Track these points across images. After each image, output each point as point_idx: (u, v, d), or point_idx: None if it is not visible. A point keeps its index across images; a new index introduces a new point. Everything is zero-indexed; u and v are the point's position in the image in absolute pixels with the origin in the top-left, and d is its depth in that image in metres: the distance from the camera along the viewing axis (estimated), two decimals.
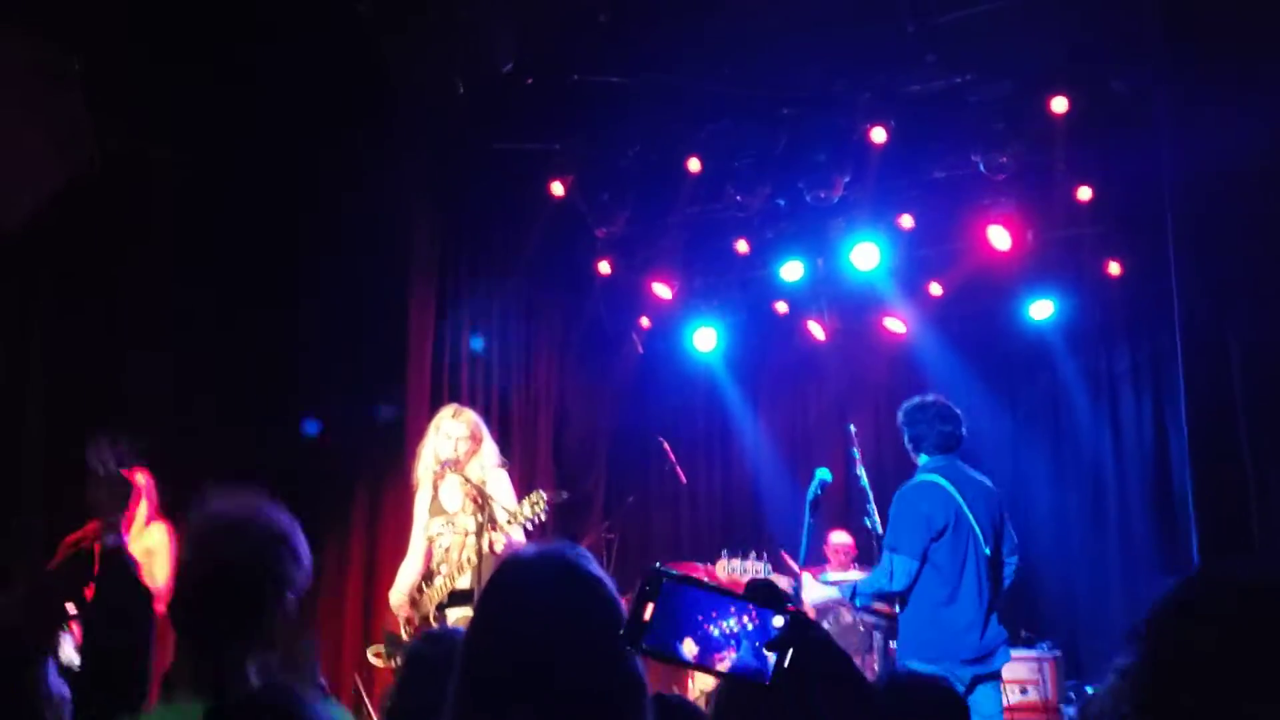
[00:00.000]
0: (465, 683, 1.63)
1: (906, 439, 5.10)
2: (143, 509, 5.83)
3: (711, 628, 1.53)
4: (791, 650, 1.52)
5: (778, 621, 1.53)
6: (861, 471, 5.92)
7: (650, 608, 1.52)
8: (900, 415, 5.11)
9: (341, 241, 7.10)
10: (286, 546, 2.32)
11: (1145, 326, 8.30)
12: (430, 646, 2.83)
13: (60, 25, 5.01)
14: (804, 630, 1.53)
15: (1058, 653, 7.15)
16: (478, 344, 7.77)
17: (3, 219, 4.63)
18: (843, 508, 7.43)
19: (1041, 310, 8.16)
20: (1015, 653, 6.74)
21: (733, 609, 1.53)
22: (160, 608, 5.59)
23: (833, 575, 7.26)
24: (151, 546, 5.80)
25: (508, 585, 1.68)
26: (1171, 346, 7.45)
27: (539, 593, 1.64)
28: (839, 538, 7.70)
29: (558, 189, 7.81)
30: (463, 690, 1.62)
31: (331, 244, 7.06)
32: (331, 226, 7.04)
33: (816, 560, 7.43)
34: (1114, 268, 8.01)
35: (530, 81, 6.82)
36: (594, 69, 6.98)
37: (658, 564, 1.64)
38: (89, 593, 5.82)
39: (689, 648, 1.53)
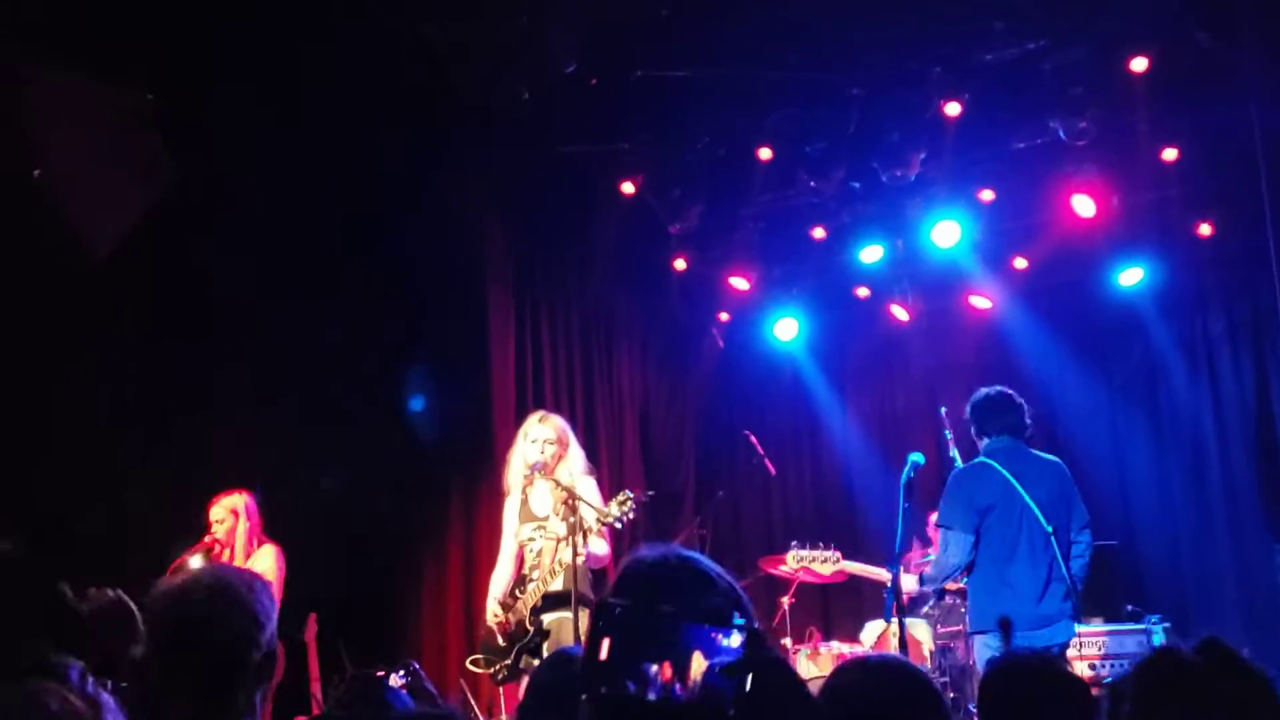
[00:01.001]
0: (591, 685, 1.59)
1: (973, 430, 5.36)
2: (244, 529, 5.95)
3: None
4: (750, 674, 1.42)
5: (733, 640, 1.43)
6: (955, 453, 5.84)
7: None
8: (966, 410, 5.36)
9: (418, 254, 7.17)
10: (250, 616, 2.23)
11: (1241, 286, 8.02)
12: (550, 673, 2.81)
13: (135, 61, 5.14)
14: (760, 649, 1.45)
15: (1167, 624, 6.94)
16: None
17: (91, 252, 4.76)
18: (940, 490, 7.30)
19: (1131, 277, 7.94)
20: (1122, 628, 6.59)
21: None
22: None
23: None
24: (259, 570, 5.91)
25: (631, 589, 1.63)
26: (1271, 304, 7.21)
27: (662, 593, 1.60)
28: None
29: (628, 188, 7.80)
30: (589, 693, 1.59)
31: (409, 257, 7.14)
32: (408, 241, 7.12)
33: (920, 543, 7.34)
34: (1204, 228, 7.75)
35: (594, 82, 6.83)
36: (657, 64, 6.95)
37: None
38: None
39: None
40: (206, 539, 5.94)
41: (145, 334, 6.23)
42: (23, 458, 5.72)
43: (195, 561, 5.89)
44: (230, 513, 5.96)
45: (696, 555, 1.74)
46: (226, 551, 5.97)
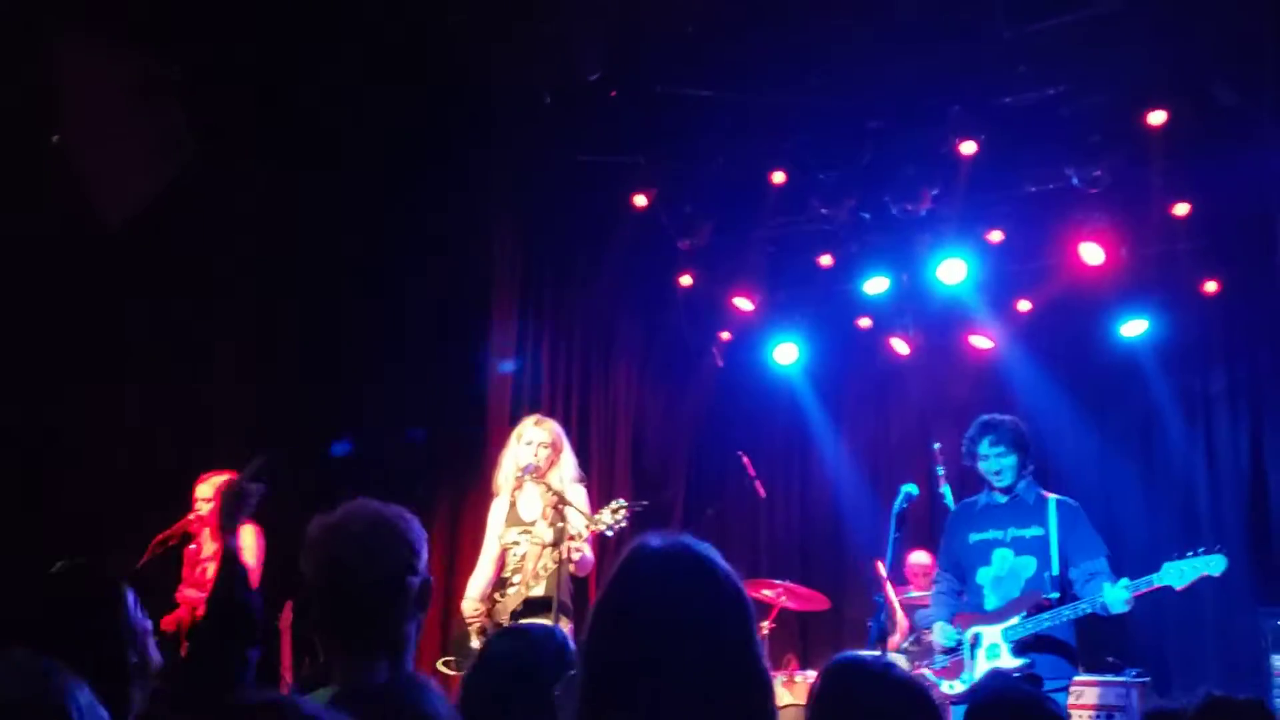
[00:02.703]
0: (590, 666, 1.60)
1: (1022, 461, 5.22)
2: None
3: None
4: None
5: None
6: (946, 490, 5.85)
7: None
8: (1012, 436, 5.20)
9: (425, 254, 7.18)
10: (407, 546, 2.35)
11: (1243, 346, 8.03)
12: (503, 642, 2.83)
13: (161, 37, 5.15)
14: None
15: (1146, 679, 6.93)
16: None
17: (106, 216, 4.77)
18: (925, 527, 7.30)
19: (1134, 328, 7.95)
20: (1102, 679, 6.58)
21: None
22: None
23: (915, 593, 7.15)
24: (240, 546, 5.90)
25: (639, 574, 1.64)
26: (1271, 367, 7.21)
27: (669, 581, 1.60)
28: (919, 558, 7.55)
29: (640, 201, 7.81)
30: (588, 674, 1.59)
31: (415, 257, 7.15)
32: (415, 239, 7.13)
33: (897, 580, 7.31)
34: (1210, 285, 7.76)
35: (614, 94, 6.85)
36: (678, 81, 6.98)
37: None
38: (177, 594, 5.96)
39: None
40: (190, 516, 5.93)
41: (150, 308, 6.24)
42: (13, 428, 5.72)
43: (179, 539, 5.89)
44: (217, 492, 5.93)
45: (702, 546, 1.72)
46: (207, 530, 5.96)
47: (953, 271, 7.77)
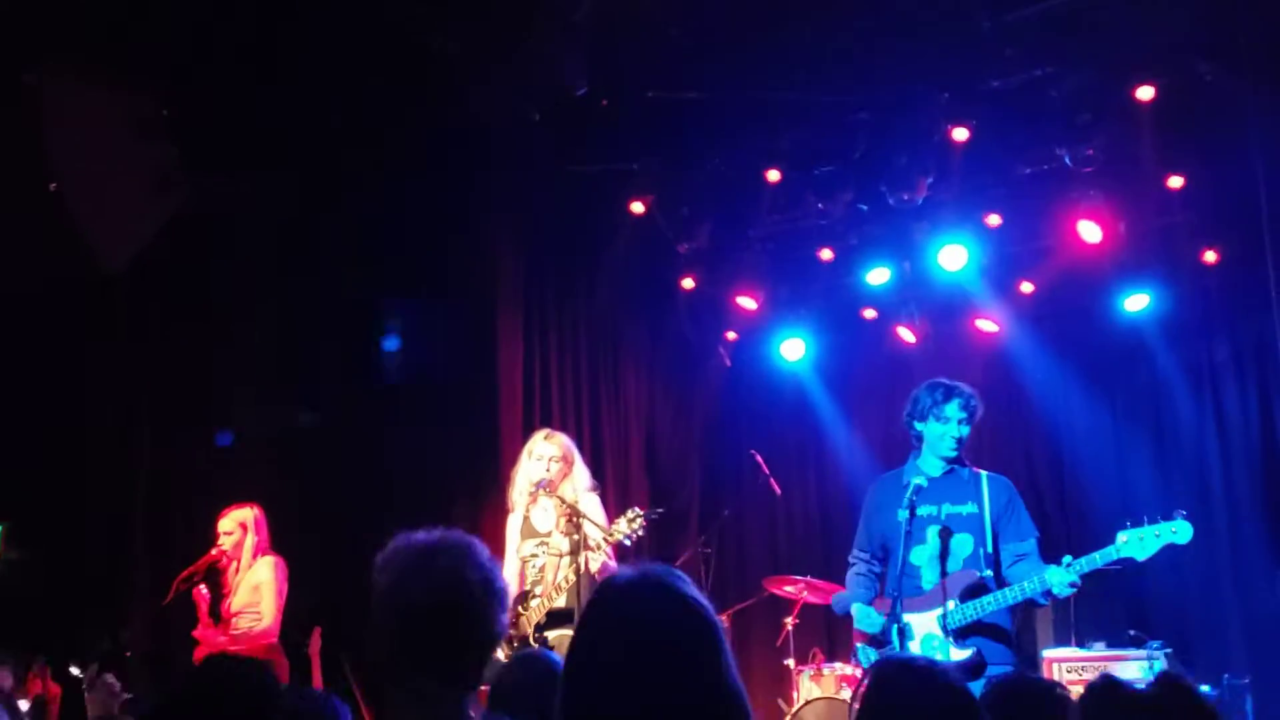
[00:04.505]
0: (568, 702, 1.65)
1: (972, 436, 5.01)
2: (250, 543, 6.00)
3: None
4: None
5: None
6: None
7: None
8: (977, 408, 4.99)
9: (428, 271, 7.24)
10: (490, 582, 2.23)
11: (1246, 314, 8.02)
12: (519, 669, 2.86)
13: (152, 75, 5.21)
14: None
15: (1168, 651, 6.93)
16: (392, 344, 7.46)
17: (111, 261, 4.83)
18: None
19: (1136, 302, 7.96)
20: (1123, 652, 6.58)
21: None
22: (270, 640, 5.74)
23: None
24: (259, 582, 5.97)
25: (606, 608, 1.70)
26: (1274, 331, 7.22)
27: (637, 615, 1.66)
28: None
29: (638, 207, 7.85)
30: (567, 706, 1.65)
31: (418, 274, 7.21)
32: (416, 257, 7.19)
33: None
34: (1210, 255, 7.78)
35: (605, 103, 6.90)
36: (668, 86, 7.02)
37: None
38: (196, 632, 5.97)
39: None
40: (213, 551, 5.99)
41: (158, 344, 6.31)
42: (27, 461, 5.79)
43: (202, 575, 5.95)
44: (239, 525, 6.01)
45: (668, 573, 1.76)
46: (233, 564, 6.03)
47: (953, 257, 7.79)
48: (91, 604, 6.34)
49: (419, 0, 5.74)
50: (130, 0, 5.00)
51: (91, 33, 5.07)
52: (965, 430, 4.88)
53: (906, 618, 4.71)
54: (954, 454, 4.89)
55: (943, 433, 4.88)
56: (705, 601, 1.72)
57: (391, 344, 6.93)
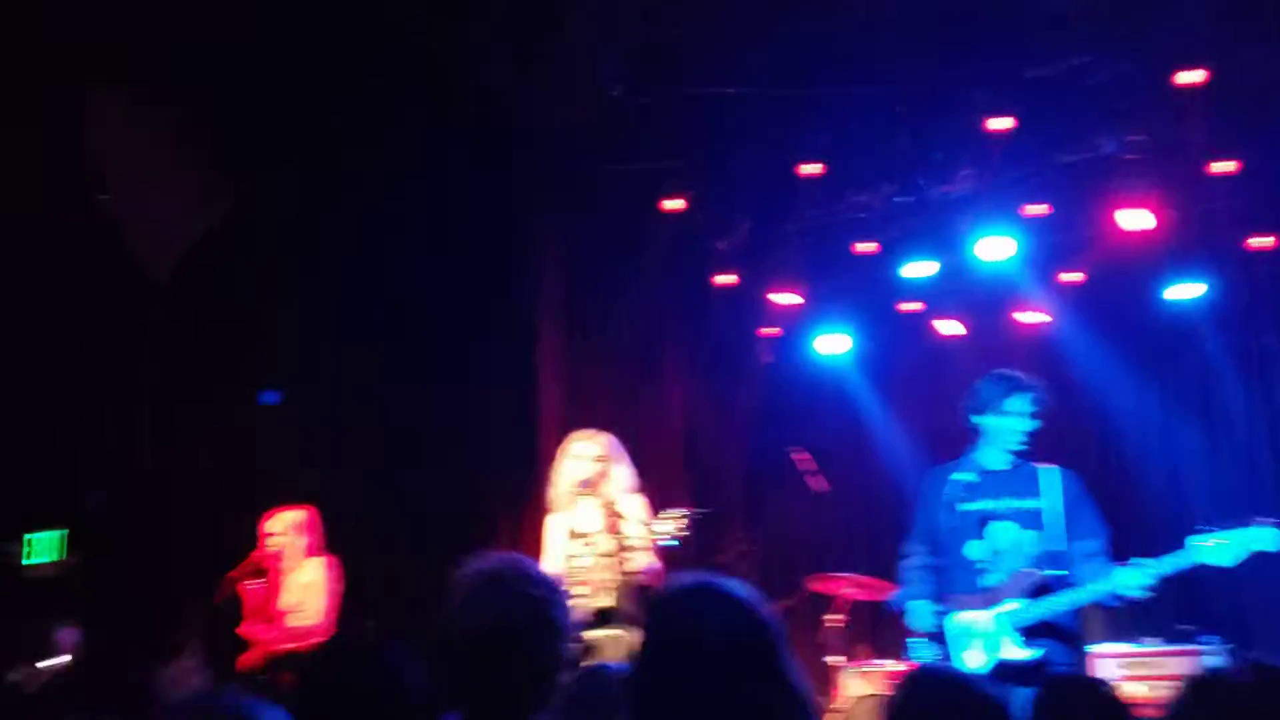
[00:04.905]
0: (636, 701, 1.66)
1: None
2: (301, 544, 6.08)
3: None
4: None
5: None
6: None
7: None
8: (1042, 403, 4.88)
9: (467, 277, 7.28)
10: (558, 604, 2.24)
11: None
12: (586, 685, 2.86)
13: (191, 87, 5.28)
14: None
15: (1230, 646, 6.82)
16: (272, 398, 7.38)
17: (156, 267, 4.91)
18: None
19: (1184, 290, 7.83)
20: (1178, 647, 6.47)
21: None
22: (319, 638, 5.82)
23: None
24: (309, 581, 6.05)
25: (667, 617, 1.70)
26: None
27: (697, 623, 1.66)
28: None
29: (676, 204, 7.84)
30: (635, 707, 1.65)
31: (458, 281, 7.24)
32: (456, 258, 7.22)
33: None
34: (1259, 241, 7.64)
35: (643, 101, 6.90)
36: (704, 82, 7.01)
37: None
38: (243, 628, 6.08)
39: None
40: (259, 552, 6.06)
41: (201, 350, 6.40)
42: (72, 464, 5.89)
43: (250, 574, 6.03)
44: (289, 528, 6.10)
45: (725, 581, 1.78)
46: (281, 565, 6.11)
47: (996, 249, 7.71)
48: (149, 603, 6.45)
49: (455, 4, 5.76)
50: (166, 12, 5.06)
51: (134, 45, 5.15)
52: (1032, 425, 4.76)
53: (966, 615, 4.61)
54: (1019, 448, 4.77)
55: (1007, 426, 4.76)
56: (765, 608, 1.72)
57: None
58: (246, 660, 6.06)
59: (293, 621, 6.01)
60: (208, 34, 5.31)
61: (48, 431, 5.67)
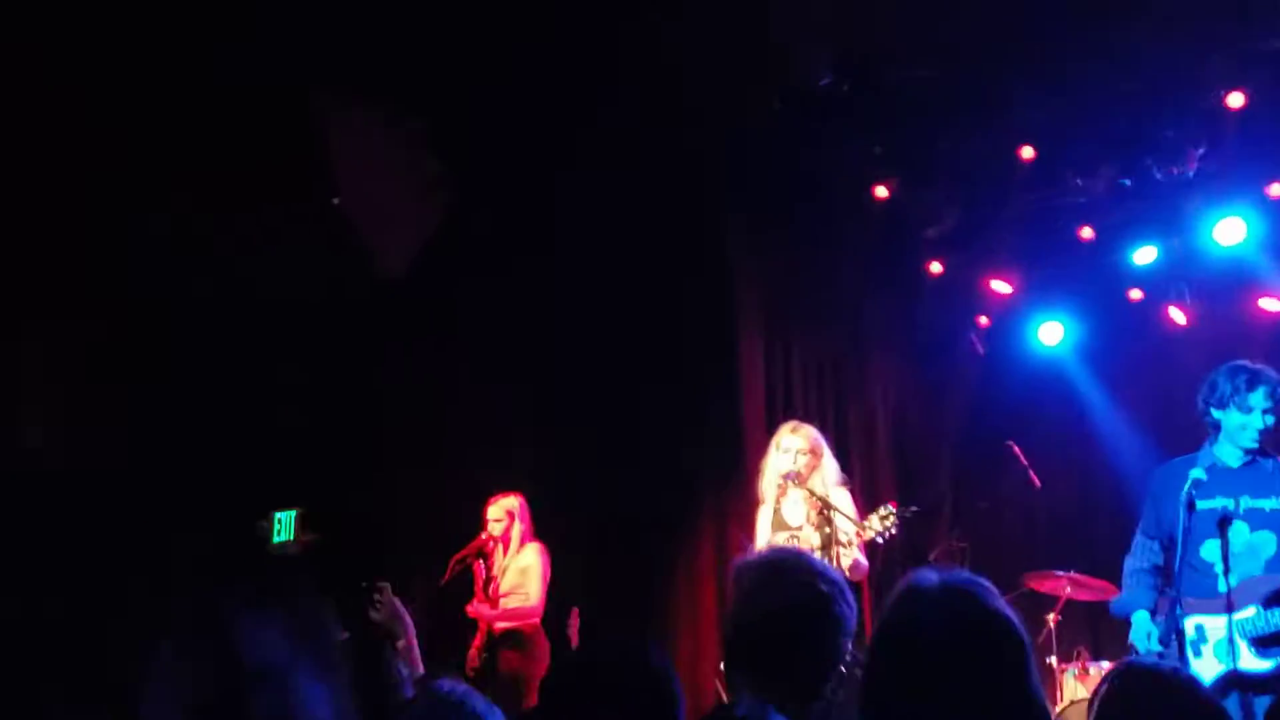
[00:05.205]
0: (871, 699, 1.65)
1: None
2: (517, 530, 6.37)
3: None
4: None
5: None
6: None
7: None
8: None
9: (667, 262, 7.35)
10: (840, 592, 2.34)
11: None
12: None
13: (409, 94, 5.55)
14: None
15: None
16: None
17: (388, 267, 5.19)
18: None
19: None
20: None
21: None
22: (535, 619, 6.06)
23: None
24: (526, 565, 6.34)
25: (911, 615, 1.68)
26: None
27: (943, 624, 1.64)
28: None
29: (881, 192, 7.71)
30: (869, 706, 1.65)
31: (655, 267, 7.33)
32: (654, 250, 7.31)
33: None
34: None
35: (846, 88, 6.79)
36: (910, 66, 6.85)
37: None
38: (468, 608, 6.39)
39: None
40: (483, 536, 6.37)
41: (432, 345, 6.74)
42: (317, 456, 6.30)
43: (474, 557, 6.32)
44: (506, 513, 6.40)
45: (976, 580, 1.75)
46: (500, 548, 6.40)
47: (1231, 231, 7.25)
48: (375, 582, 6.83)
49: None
50: (392, 28, 5.32)
51: (361, 52, 5.45)
52: (1270, 420, 4.50)
53: (1196, 620, 4.40)
54: (1256, 445, 4.52)
55: (1244, 422, 4.52)
56: (1011, 612, 1.68)
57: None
58: (470, 640, 6.37)
59: (512, 603, 6.28)
60: (432, 42, 5.56)
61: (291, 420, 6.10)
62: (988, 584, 1.74)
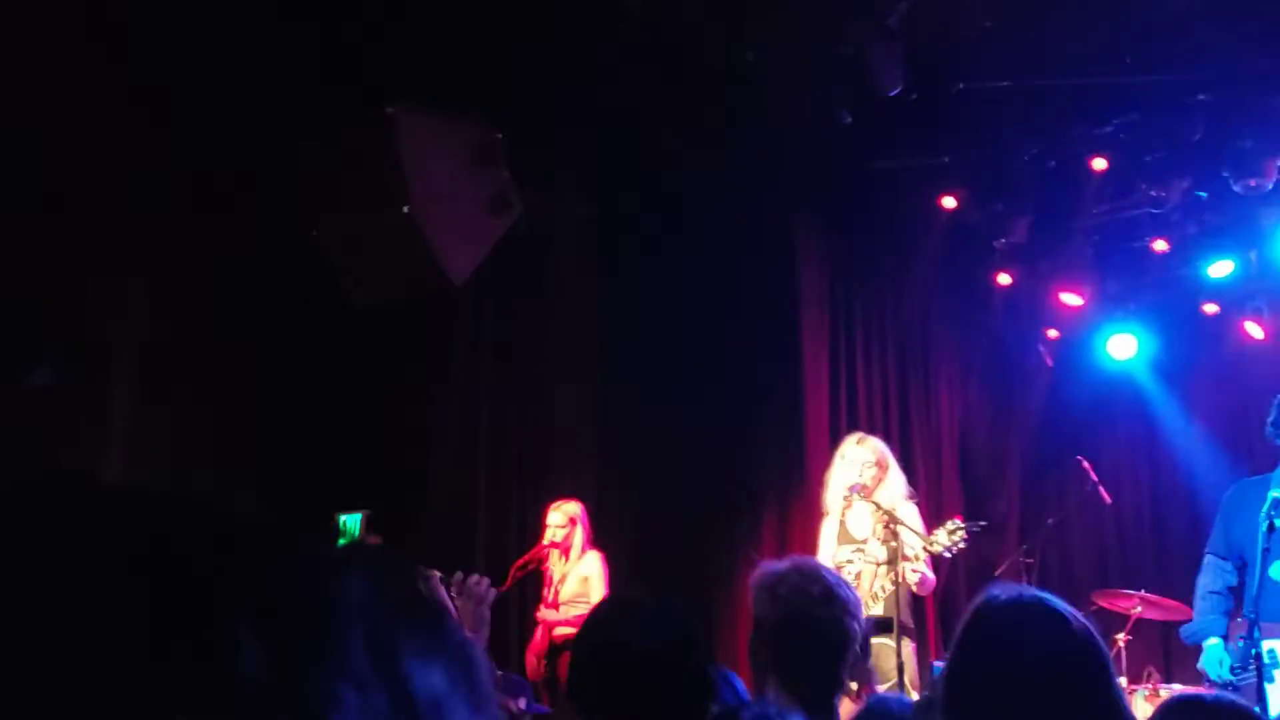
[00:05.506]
0: None
1: None
2: (579, 538, 6.37)
3: None
4: None
5: None
6: None
7: None
8: None
9: (731, 273, 7.35)
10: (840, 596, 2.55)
11: None
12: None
13: (487, 106, 5.62)
14: None
15: None
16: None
17: (457, 275, 5.24)
18: None
19: None
20: None
21: None
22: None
23: None
24: (588, 574, 6.33)
25: (990, 629, 1.67)
26: None
27: (1022, 634, 1.62)
28: None
29: (949, 202, 7.63)
30: None
31: (723, 280, 7.33)
32: (721, 262, 7.31)
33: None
34: None
35: (915, 97, 6.73)
36: (980, 76, 6.78)
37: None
38: (536, 613, 6.42)
39: None
40: (545, 541, 6.38)
41: (493, 352, 6.80)
42: (380, 460, 6.37)
43: (536, 563, 6.35)
44: (569, 519, 6.40)
45: (1050, 597, 1.73)
46: (561, 556, 6.41)
47: None
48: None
49: (724, 12, 5.84)
50: (462, 35, 5.39)
51: (436, 64, 5.53)
52: None
53: (1271, 644, 4.29)
54: None
55: None
56: (1091, 628, 1.66)
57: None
58: (532, 646, 6.38)
59: (574, 611, 6.28)
60: (506, 55, 5.63)
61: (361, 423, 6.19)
62: (1060, 600, 1.71)
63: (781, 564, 2.60)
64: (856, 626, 2.53)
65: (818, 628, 2.44)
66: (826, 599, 2.48)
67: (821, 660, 2.47)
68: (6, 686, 0.43)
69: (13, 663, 0.44)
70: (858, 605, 2.58)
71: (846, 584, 2.62)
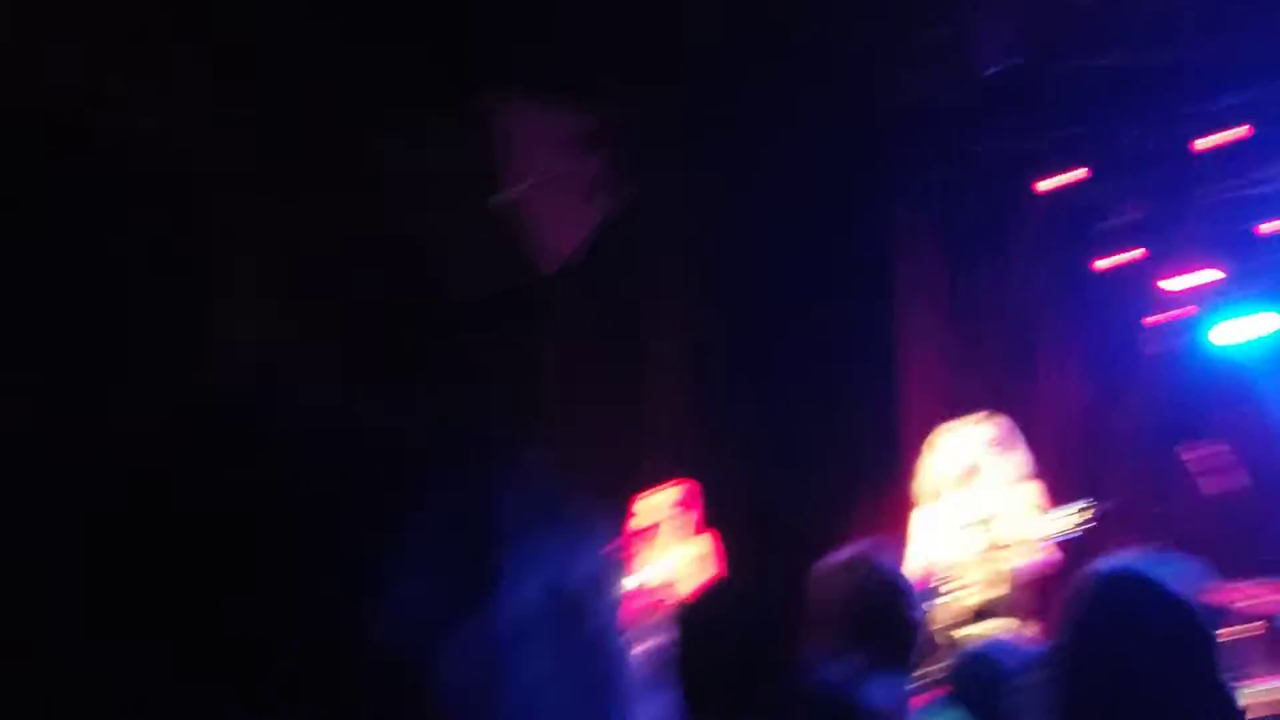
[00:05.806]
0: (1061, 699, 1.60)
1: None
2: (689, 518, 6.39)
3: None
4: None
5: None
6: None
7: None
8: None
9: (826, 260, 7.28)
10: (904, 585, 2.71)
11: None
12: (971, 667, 2.85)
13: (589, 87, 5.63)
14: None
15: None
16: None
17: (546, 264, 5.27)
18: None
19: None
20: None
21: None
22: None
23: None
24: (698, 555, 6.33)
25: (1093, 602, 1.63)
26: None
27: (1121, 612, 1.58)
28: None
29: (1053, 183, 7.46)
30: (1061, 702, 1.61)
31: (816, 263, 7.27)
32: (814, 245, 7.25)
33: None
34: None
35: (1017, 77, 6.59)
36: (1084, 54, 6.62)
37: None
38: None
39: None
40: (648, 524, 6.39)
41: (584, 336, 6.84)
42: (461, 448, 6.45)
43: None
44: (675, 503, 6.40)
45: (1157, 571, 1.67)
46: (669, 538, 6.40)
47: None
48: None
49: None
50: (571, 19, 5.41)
51: (527, 52, 5.55)
52: None
53: None
54: None
55: None
56: (1194, 599, 1.60)
57: None
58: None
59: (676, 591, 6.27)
60: (611, 44, 5.63)
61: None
62: (1166, 567, 1.65)
63: (841, 554, 2.71)
64: (917, 615, 2.66)
65: (877, 617, 2.54)
66: (888, 590, 2.59)
67: (884, 651, 2.51)
68: None
69: None
70: (919, 595, 2.74)
71: (903, 575, 2.79)
